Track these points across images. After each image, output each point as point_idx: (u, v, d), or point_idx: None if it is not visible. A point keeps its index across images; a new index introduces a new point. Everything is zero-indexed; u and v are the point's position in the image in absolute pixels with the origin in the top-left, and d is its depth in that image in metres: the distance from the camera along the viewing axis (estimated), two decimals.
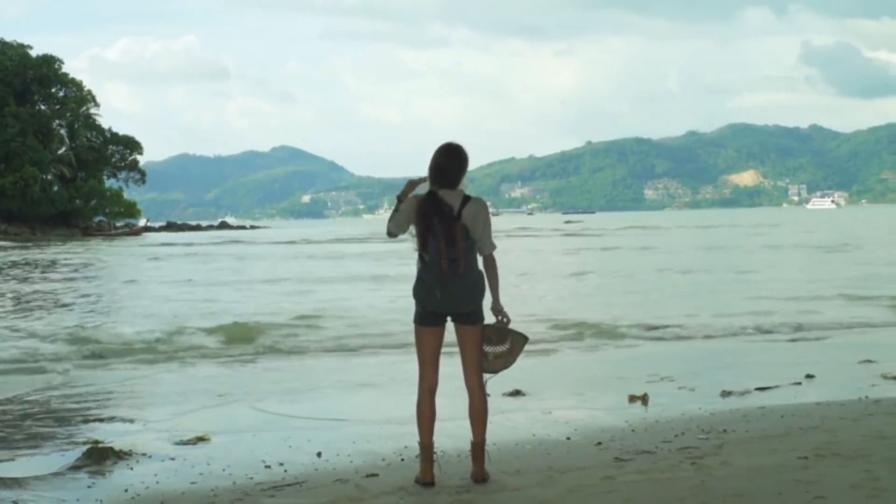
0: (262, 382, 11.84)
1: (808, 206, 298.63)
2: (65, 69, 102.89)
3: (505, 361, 6.53)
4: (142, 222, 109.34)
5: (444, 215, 6.16)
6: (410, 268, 6.45)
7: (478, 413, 6.38)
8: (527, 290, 24.67)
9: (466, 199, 6.25)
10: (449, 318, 6.32)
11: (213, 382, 11.80)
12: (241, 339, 15.18)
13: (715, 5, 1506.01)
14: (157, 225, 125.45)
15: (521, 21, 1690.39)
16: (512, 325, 6.48)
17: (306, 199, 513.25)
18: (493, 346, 6.46)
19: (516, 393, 10.17)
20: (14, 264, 42.41)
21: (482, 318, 6.36)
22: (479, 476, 6.41)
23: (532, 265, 35.91)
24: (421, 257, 6.25)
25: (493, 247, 6.37)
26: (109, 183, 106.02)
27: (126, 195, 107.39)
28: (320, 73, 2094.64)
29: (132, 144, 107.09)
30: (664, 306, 19.86)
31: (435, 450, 6.44)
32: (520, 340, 6.55)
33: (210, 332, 15.89)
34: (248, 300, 23.37)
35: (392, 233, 6.38)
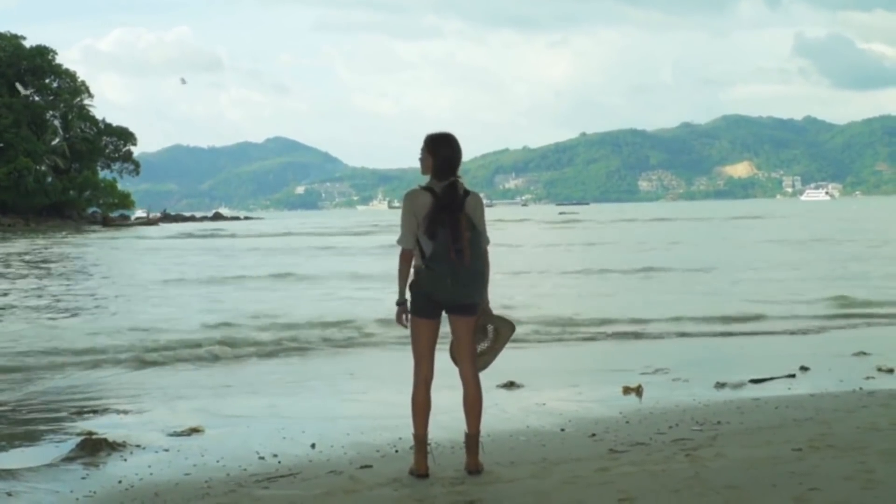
0: (255, 377, 11.85)
1: (803, 198, 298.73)
2: (58, 60, 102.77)
3: (486, 360, 6.51)
4: (136, 213, 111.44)
5: (452, 206, 6.18)
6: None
7: (472, 404, 6.38)
8: (519, 284, 24.63)
9: (466, 192, 6.28)
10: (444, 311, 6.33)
11: (208, 376, 11.80)
12: (236, 337, 14.92)
13: None
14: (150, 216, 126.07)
15: (514, 12, 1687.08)
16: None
17: (300, 190, 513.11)
18: (478, 344, 6.45)
19: (510, 384, 10.18)
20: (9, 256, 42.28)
21: (477, 310, 6.37)
22: (474, 467, 6.42)
23: (525, 259, 35.88)
24: (420, 251, 6.24)
25: (488, 241, 6.37)
26: (103, 174, 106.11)
27: (120, 186, 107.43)
28: (313, 63, 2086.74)
29: (126, 135, 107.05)
30: (658, 302, 19.86)
31: (429, 441, 6.45)
32: (506, 329, 6.53)
33: (208, 328, 15.74)
34: (246, 297, 23.35)
35: (409, 247, 6.29)
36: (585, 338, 14.56)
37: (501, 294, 15.35)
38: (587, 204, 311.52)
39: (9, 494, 6.42)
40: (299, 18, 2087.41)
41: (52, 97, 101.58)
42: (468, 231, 6.15)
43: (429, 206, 6.19)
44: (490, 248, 6.36)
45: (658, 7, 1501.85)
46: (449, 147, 6.32)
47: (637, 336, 14.60)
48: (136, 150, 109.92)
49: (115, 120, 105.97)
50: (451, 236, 6.11)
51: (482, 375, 6.46)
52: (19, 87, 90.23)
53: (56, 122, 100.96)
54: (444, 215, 6.14)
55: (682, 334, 14.73)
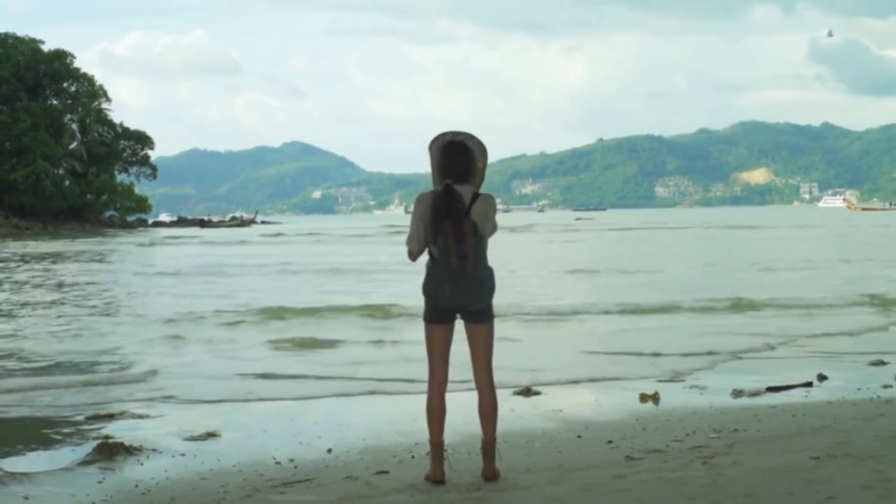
0: (271, 382, 11.83)
1: (820, 205, 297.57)
2: (75, 64, 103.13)
3: None
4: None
5: (454, 211, 6.14)
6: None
7: (488, 411, 6.37)
8: (536, 286, 24.52)
9: (476, 195, 6.24)
10: (459, 316, 6.31)
11: (224, 381, 11.79)
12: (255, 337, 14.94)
13: (721, 2, 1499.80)
14: (168, 220, 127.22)
15: (527, 17, 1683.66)
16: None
17: (317, 194, 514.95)
18: None
19: (527, 391, 10.15)
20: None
21: (492, 316, 6.35)
22: (490, 474, 6.40)
23: (539, 262, 35.78)
24: (430, 254, 6.24)
25: (495, 228, 6.32)
26: (121, 178, 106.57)
27: (137, 190, 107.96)
28: (328, 68, 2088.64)
29: (143, 139, 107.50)
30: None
31: (445, 447, 6.43)
32: None
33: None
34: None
35: (415, 249, 6.30)
36: (603, 344, 14.51)
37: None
38: (604, 210, 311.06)
39: (25, 498, 6.44)
40: (312, 23, 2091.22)
41: (69, 101, 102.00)
42: (472, 238, 6.12)
43: (427, 207, 6.21)
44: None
45: (670, 13, 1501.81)
46: (442, 152, 6.31)
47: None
48: (153, 154, 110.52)
49: (132, 124, 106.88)
50: (454, 243, 6.08)
51: (498, 382, 6.44)
52: None
53: (74, 126, 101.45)
54: (448, 222, 6.10)
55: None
